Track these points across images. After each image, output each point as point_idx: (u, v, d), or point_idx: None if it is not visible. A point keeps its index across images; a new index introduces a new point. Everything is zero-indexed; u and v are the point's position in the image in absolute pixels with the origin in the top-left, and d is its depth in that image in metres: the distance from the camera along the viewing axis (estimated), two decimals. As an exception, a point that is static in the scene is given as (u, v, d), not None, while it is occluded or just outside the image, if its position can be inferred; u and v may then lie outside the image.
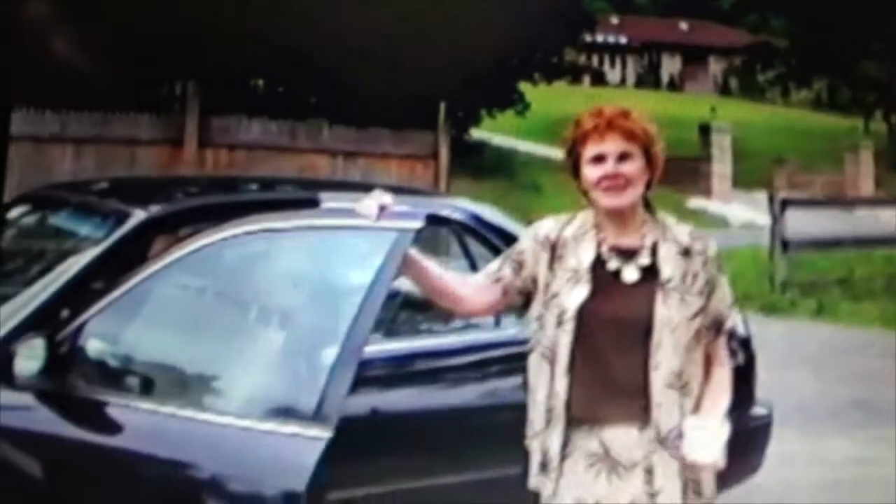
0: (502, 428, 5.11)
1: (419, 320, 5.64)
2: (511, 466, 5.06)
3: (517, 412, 4.74)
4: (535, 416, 3.74)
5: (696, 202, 30.92)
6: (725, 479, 3.82)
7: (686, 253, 3.70)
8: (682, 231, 3.75)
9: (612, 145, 3.65)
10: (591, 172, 3.67)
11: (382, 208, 3.69)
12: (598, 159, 3.66)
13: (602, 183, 3.65)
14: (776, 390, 7.21)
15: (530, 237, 3.81)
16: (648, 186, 3.73)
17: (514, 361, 5.39)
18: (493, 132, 33.09)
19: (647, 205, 3.77)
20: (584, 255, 3.70)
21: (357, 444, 3.92)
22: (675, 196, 26.35)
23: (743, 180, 34.33)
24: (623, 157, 3.65)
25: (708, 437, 3.56)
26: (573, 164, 3.75)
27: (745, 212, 29.80)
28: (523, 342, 5.10)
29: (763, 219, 20.46)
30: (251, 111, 17.98)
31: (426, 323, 5.68)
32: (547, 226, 3.81)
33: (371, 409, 4.86)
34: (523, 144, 36.08)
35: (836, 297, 16.81)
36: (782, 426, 6.84)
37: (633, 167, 3.66)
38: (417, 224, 3.91)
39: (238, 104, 19.37)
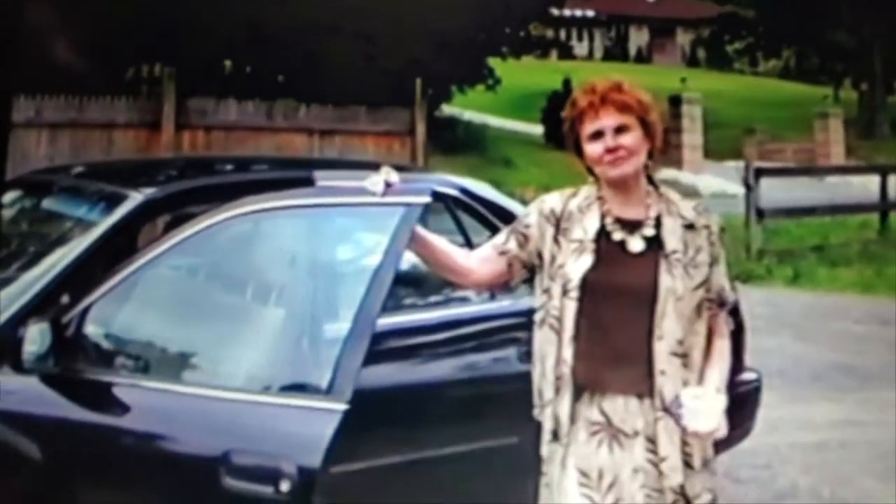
0: (496, 399, 5.18)
1: (402, 296, 5.65)
2: (501, 438, 5.13)
3: (509, 384, 4.81)
4: (545, 385, 3.76)
5: (667, 173, 30.95)
6: (717, 443, 3.86)
7: (690, 227, 3.77)
8: (686, 206, 3.82)
9: (607, 120, 3.72)
10: (592, 149, 3.75)
11: (388, 185, 3.79)
12: (597, 135, 3.73)
13: (604, 157, 3.72)
14: (759, 356, 7.29)
15: (536, 211, 3.86)
16: (651, 156, 3.81)
17: (509, 332, 5.46)
18: (463, 108, 33.08)
19: (650, 179, 3.84)
20: (589, 226, 3.75)
21: (364, 418, 3.92)
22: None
23: (714, 150, 34.47)
24: (620, 129, 3.72)
25: (707, 407, 3.62)
26: (574, 143, 3.82)
27: (716, 181, 29.92)
28: (517, 314, 5.17)
29: (734, 188, 20.60)
30: (221, 92, 17.88)
31: (410, 298, 5.68)
32: (552, 200, 3.86)
33: (381, 384, 4.85)
34: (493, 119, 36.09)
35: (812, 263, 16.94)
36: (767, 391, 6.91)
37: (631, 138, 3.73)
38: (425, 199, 3.94)
39: (210, 85, 19.26)
